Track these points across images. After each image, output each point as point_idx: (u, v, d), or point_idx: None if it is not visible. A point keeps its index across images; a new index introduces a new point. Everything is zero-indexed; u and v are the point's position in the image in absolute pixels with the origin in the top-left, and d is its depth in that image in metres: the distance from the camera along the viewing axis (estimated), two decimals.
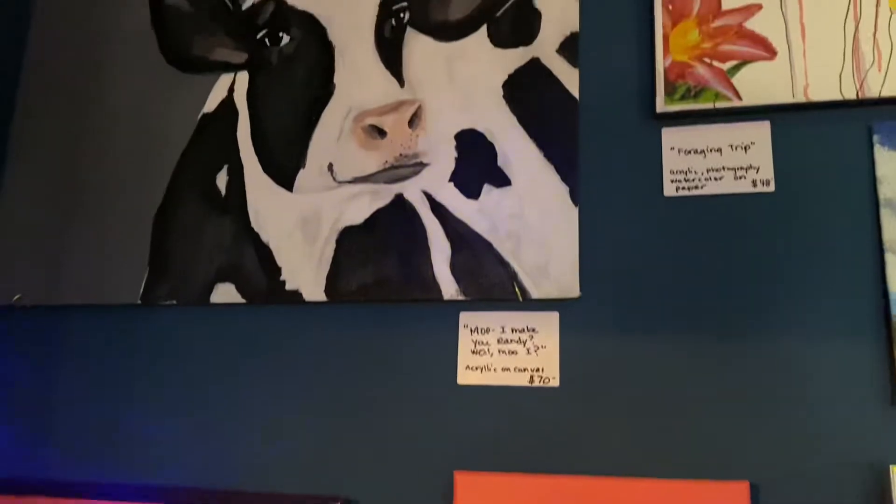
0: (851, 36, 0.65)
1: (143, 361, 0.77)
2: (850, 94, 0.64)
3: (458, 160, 0.73)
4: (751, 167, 0.66)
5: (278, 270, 0.75)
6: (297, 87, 0.78)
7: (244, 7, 0.82)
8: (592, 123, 0.71)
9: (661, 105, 0.68)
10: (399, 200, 0.74)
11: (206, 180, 0.79)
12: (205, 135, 0.81)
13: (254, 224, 0.77)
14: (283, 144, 0.78)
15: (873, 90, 0.64)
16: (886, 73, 0.64)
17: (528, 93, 0.73)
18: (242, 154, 0.79)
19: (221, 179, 0.79)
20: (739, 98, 0.67)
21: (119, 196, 0.81)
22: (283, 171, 0.77)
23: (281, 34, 0.80)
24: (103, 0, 0.88)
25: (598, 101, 0.71)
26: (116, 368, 0.77)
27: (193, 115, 0.81)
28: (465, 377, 0.68)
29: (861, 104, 0.64)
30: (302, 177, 0.76)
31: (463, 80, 0.75)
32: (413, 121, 0.74)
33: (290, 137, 0.77)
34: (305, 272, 0.74)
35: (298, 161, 0.77)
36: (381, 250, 0.73)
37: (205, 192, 0.79)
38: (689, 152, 0.68)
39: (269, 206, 0.77)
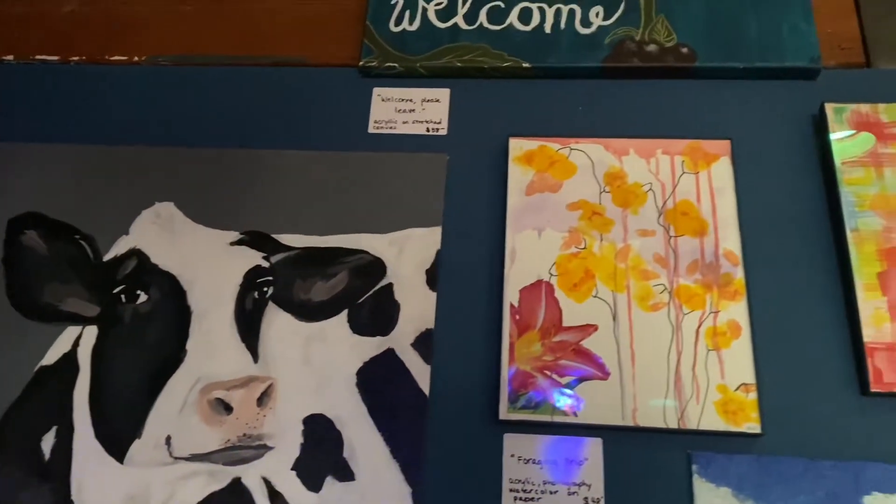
0: (674, 367, 0.72)
1: None
2: (672, 423, 0.70)
3: (303, 446, 0.72)
4: (583, 483, 0.69)
5: None
6: (146, 349, 0.77)
7: (105, 258, 0.82)
8: (440, 423, 0.72)
9: (504, 412, 0.72)
10: (236, 485, 0.71)
11: (31, 441, 0.74)
12: (39, 389, 0.76)
13: (74, 497, 0.71)
14: (122, 410, 0.74)
15: (692, 421, 0.70)
16: (703, 406, 0.71)
17: (381, 383, 0.74)
18: (76, 415, 0.75)
19: (48, 442, 0.74)
20: (575, 414, 0.71)
21: None
22: (117, 439, 0.73)
23: (138, 292, 0.79)
24: None
25: (447, 400, 0.73)
26: None
27: (30, 366, 0.77)
28: None
29: (682, 433, 0.70)
30: (136, 448, 0.73)
31: (318, 363, 0.76)
32: (262, 399, 0.73)
33: (131, 403, 0.74)
34: None
35: (135, 430, 0.73)
36: None
37: (26, 454, 0.73)
38: (528, 461, 0.71)
39: (94, 478, 0.72)
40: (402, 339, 0.76)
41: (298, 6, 0.98)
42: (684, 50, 0.86)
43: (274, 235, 0.82)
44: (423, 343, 0.76)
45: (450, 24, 0.91)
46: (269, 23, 0.97)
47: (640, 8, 0.89)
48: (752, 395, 0.71)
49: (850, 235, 0.76)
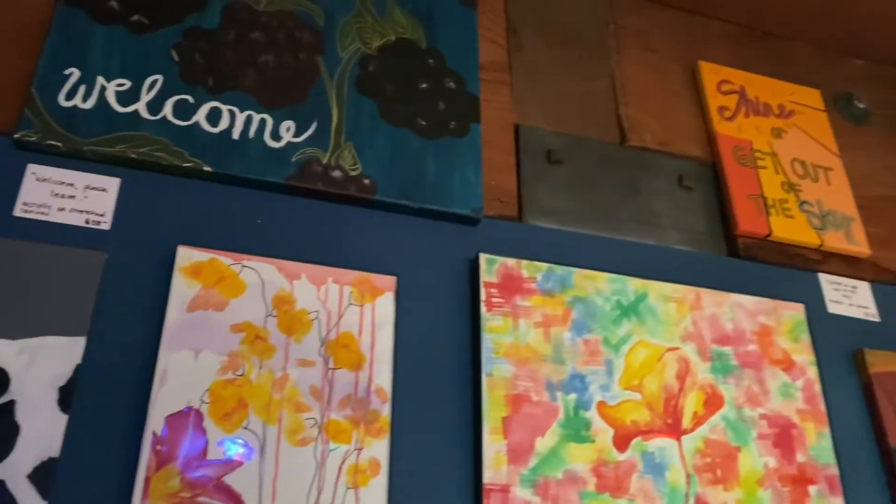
0: None
1: None
2: None
3: None
4: None
5: None
6: None
7: None
8: None
9: None
10: None
11: None
12: None
13: None
14: None
15: None
16: None
17: None
18: None
19: None
20: None
21: None
22: None
23: None
24: None
25: None
26: None
27: None
28: None
29: None
30: None
31: None
32: None
33: None
34: None
35: None
36: None
37: None
38: None
39: None
40: (16, 468, 0.67)
41: None
42: (367, 181, 0.90)
43: None
44: (43, 474, 0.68)
45: (130, 109, 0.85)
46: None
47: (331, 132, 0.91)
48: None
49: (484, 380, 0.84)
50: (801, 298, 1.03)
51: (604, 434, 0.86)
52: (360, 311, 0.84)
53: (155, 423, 0.72)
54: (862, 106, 1.30)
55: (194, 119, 0.87)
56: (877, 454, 0.97)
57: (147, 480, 0.70)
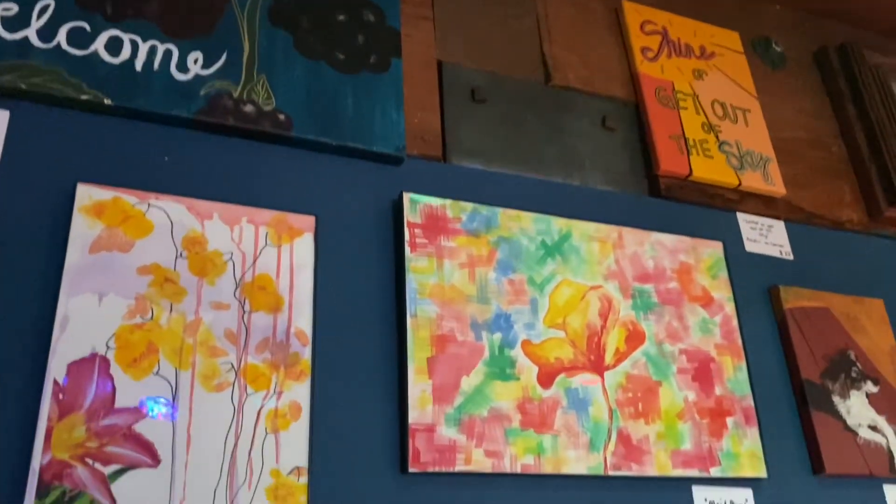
0: (231, 453, 0.71)
1: None
2: None
3: None
4: None
5: None
6: None
7: None
8: None
9: None
10: None
11: None
12: None
13: None
14: None
15: None
16: (255, 493, 0.70)
17: None
18: None
19: None
20: None
21: None
22: None
23: None
24: None
25: None
26: None
27: None
28: None
29: None
30: None
31: None
32: None
33: None
34: None
35: None
36: None
37: None
38: None
39: None
40: None
41: None
42: (281, 117, 0.86)
43: None
44: None
45: (18, 36, 0.78)
46: None
47: (242, 64, 0.86)
48: (303, 479, 0.72)
49: (409, 321, 0.82)
50: (719, 237, 1.05)
51: (528, 372, 0.86)
52: (278, 253, 0.81)
53: (56, 370, 0.68)
54: (779, 50, 1.32)
55: (92, 48, 0.80)
56: (789, 385, 1.01)
57: (49, 431, 0.66)
